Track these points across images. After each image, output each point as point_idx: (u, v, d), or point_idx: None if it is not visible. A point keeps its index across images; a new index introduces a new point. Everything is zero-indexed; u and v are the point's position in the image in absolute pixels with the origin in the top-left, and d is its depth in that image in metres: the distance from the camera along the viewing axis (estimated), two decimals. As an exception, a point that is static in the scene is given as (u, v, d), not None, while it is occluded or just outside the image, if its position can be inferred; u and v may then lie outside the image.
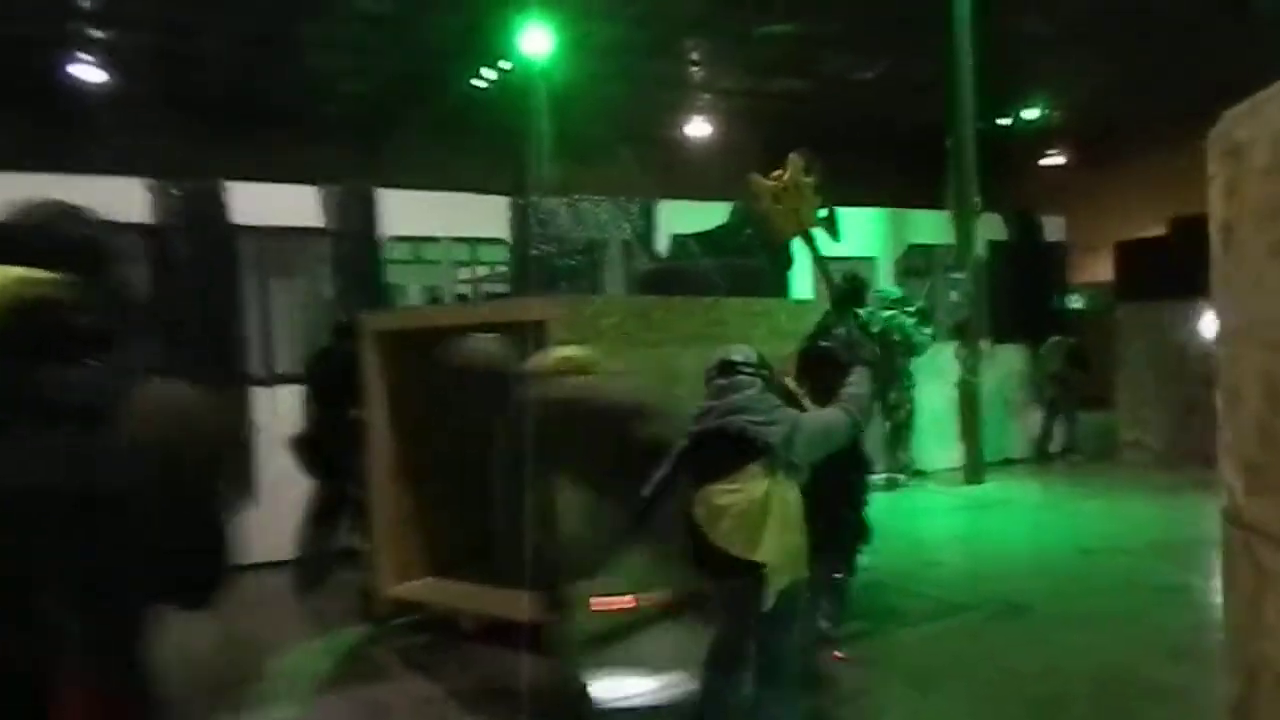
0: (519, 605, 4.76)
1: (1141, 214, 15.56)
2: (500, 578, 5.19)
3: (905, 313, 9.81)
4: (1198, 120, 2.60)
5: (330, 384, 6.63)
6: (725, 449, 3.65)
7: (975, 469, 10.91)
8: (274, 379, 8.10)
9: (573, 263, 9.62)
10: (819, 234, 5.31)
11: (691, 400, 4.15)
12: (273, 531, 6.46)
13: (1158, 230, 13.06)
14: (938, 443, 11.18)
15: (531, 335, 5.29)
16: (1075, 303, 15.52)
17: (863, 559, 5.75)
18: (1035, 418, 12.28)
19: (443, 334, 5.40)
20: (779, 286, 10.69)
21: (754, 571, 3.51)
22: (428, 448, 6.58)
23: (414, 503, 6.59)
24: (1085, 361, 12.21)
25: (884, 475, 9.98)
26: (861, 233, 11.36)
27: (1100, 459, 12.08)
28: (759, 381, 3.89)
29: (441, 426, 6.52)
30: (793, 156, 4.99)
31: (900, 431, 10.37)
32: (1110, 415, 12.89)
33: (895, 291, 10.29)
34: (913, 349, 9.88)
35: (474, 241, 9.51)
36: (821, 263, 5.61)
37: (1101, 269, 15.17)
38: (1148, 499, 9.41)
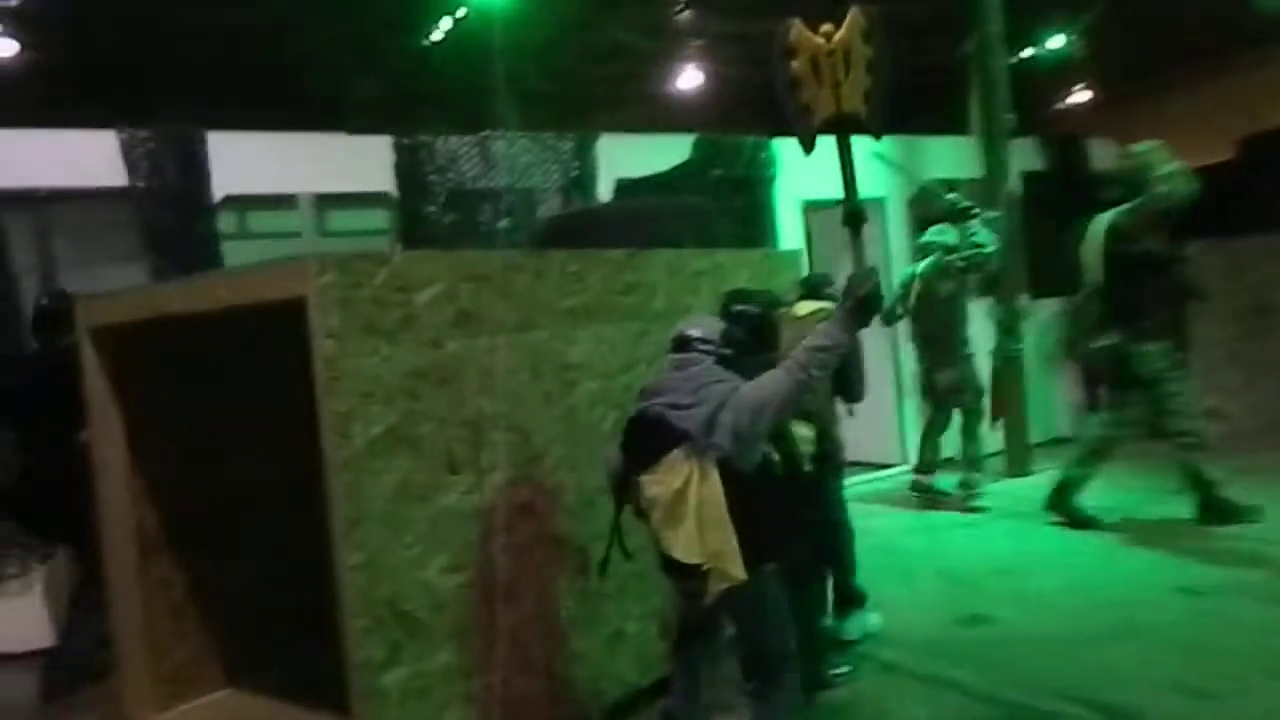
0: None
1: (1202, 139, 13.09)
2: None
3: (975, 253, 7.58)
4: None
5: (37, 400, 4.45)
6: (649, 435, 3.31)
7: (1019, 457, 8.64)
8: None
9: (481, 219, 7.36)
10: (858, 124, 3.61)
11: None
12: None
13: (1224, 155, 10.71)
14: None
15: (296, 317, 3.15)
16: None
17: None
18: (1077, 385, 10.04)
19: (194, 325, 3.68)
20: (753, 231, 8.50)
21: (692, 568, 3.21)
22: (202, 494, 4.39)
23: (186, 577, 4.40)
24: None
25: (955, 482, 7.78)
26: (864, 167, 9.02)
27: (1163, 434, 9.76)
28: (708, 359, 3.43)
29: (224, 461, 4.36)
30: (854, 10, 3.46)
31: (972, 422, 7.84)
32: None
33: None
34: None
35: (345, 200, 7.26)
36: (848, 171, 3.78)
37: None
38: (1242, 492, 7.05)
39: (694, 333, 3.46)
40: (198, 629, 4.46)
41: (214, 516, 4.42)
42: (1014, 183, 8.83)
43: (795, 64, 3.41)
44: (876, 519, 7.24)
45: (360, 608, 3.24)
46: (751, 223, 8.41)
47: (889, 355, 9.12)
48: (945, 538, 6.78)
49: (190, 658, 4.43)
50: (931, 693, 4.29)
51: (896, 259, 9.14)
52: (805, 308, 4.76)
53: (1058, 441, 9.82)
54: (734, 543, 3.13)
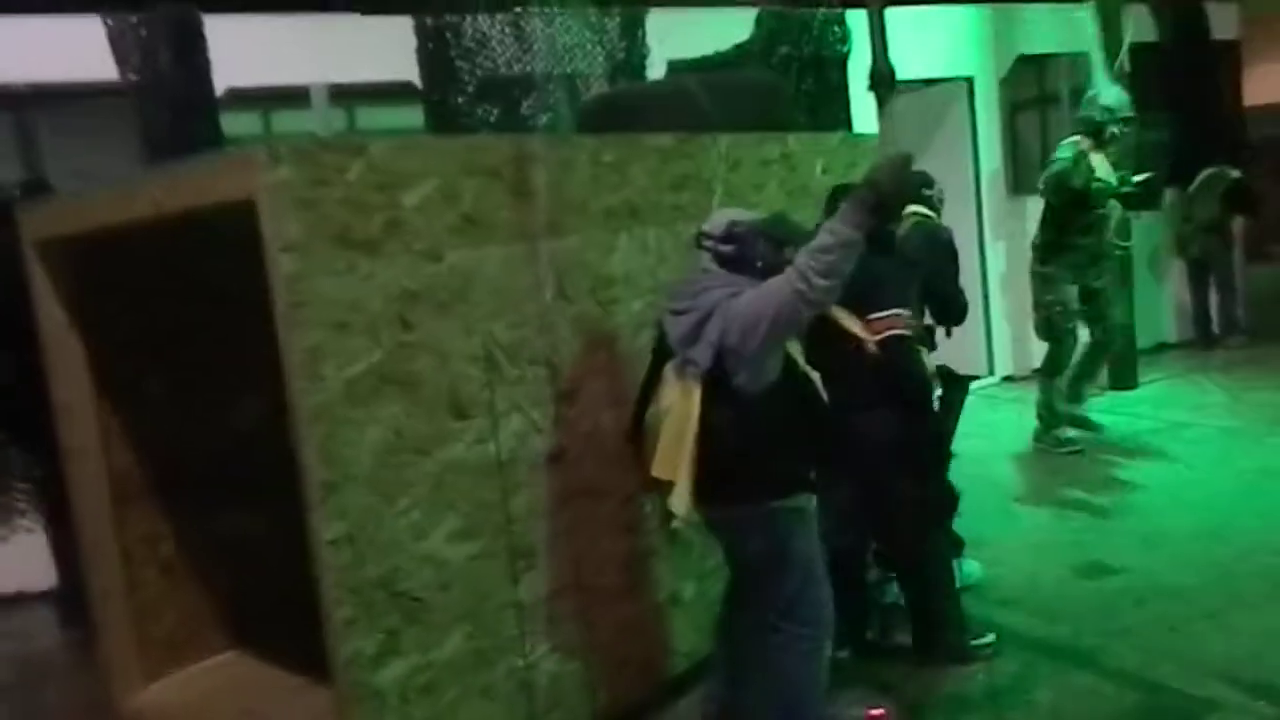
0: None
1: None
2: None
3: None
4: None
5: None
6: (662, 347, 2.98)
7: (1125, 368, 7.70)
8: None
9: (517, 112, 6.53)
10: None
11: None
12: None
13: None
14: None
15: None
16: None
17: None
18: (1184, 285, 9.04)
19: (168, 236, 3.13)
20: (824, 117, 7.54)
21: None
22: (192, 435, 3.77)
23: (176, 529, 3.81)
24: (1251, 203, 8.80)
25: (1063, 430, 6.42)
26: (946, 42, 7.99)
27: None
28: (706, 256, 2.91)
29: (219, 396, 3.75)
30: None
31: (1097, 355, 6.49)
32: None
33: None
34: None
35: (364, 92, 6.47)
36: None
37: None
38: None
39: (706, 226, 2.93)
40: (194, 587, 3.88)
41: (209, 460, 3.79)
42: (1124, 56, 7.68)
43: None
44: (966, 441, 6.42)
45: (343, 593, 2.58)
46: (822, 108, 7.45)
47: (973, 252, 8.17)
48: (1049, 465, 5.96)
49: (185, 618, 3.86)
50: (1068, 674, 3.52)
51: (984, 144, 8.12)
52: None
53: (1163, 347, 8.87)
54: (684, 472, 2.75)
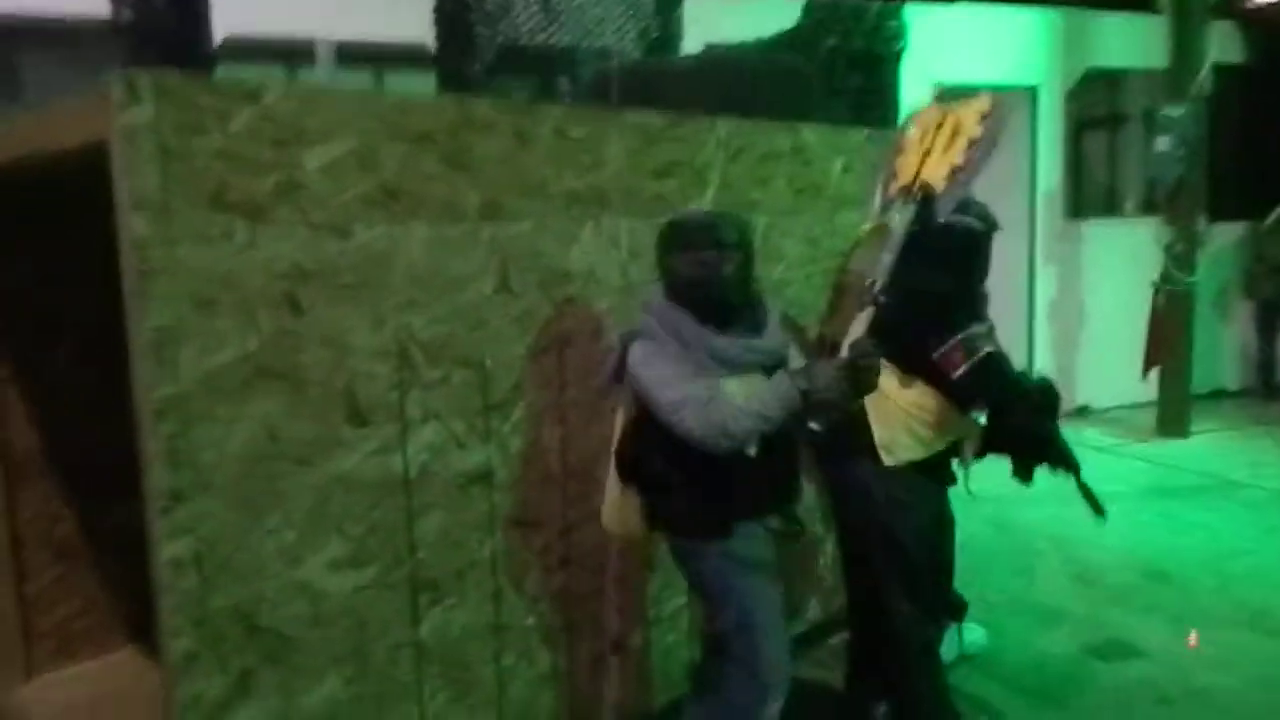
0: None
1: None
2: None
3: None
4: None
5: None
6: None
7: (1177, 413, 7.09)
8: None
9: (538, 85, 6.08)
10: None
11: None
12: None
13: None
14: (1115, 367, 7.39)
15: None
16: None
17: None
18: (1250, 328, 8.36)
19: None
20: (872, 117, 6.98)
21: None
22: (99, 408, 3.37)
23: (76, 512, 3.42)
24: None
25: None
26: (1011, 46, 7.40)
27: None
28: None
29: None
30: (986, 93, 2.97)
31: None
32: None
33: None
34: None
35: (374, 52, 6.06)
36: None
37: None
38: None
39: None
40: (94, 576, 3.50)
41: (116, 440, 3.39)
42: (1204, 76, 7.04)
43: (907, 133, 3.03)
44: (984, 481, 5.88)
45: (183, 622, 2.15)
46: (869, 107, 6.89)
47: (1023, 278, 7.60)
48: (1076, 516, 5.35)
49: (79, 610, 3.48)
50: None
51: (1044, 161, 7.52)
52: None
53: (1219, 394, 8.21)
54: (613, 494, 2.62)
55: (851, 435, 2.94)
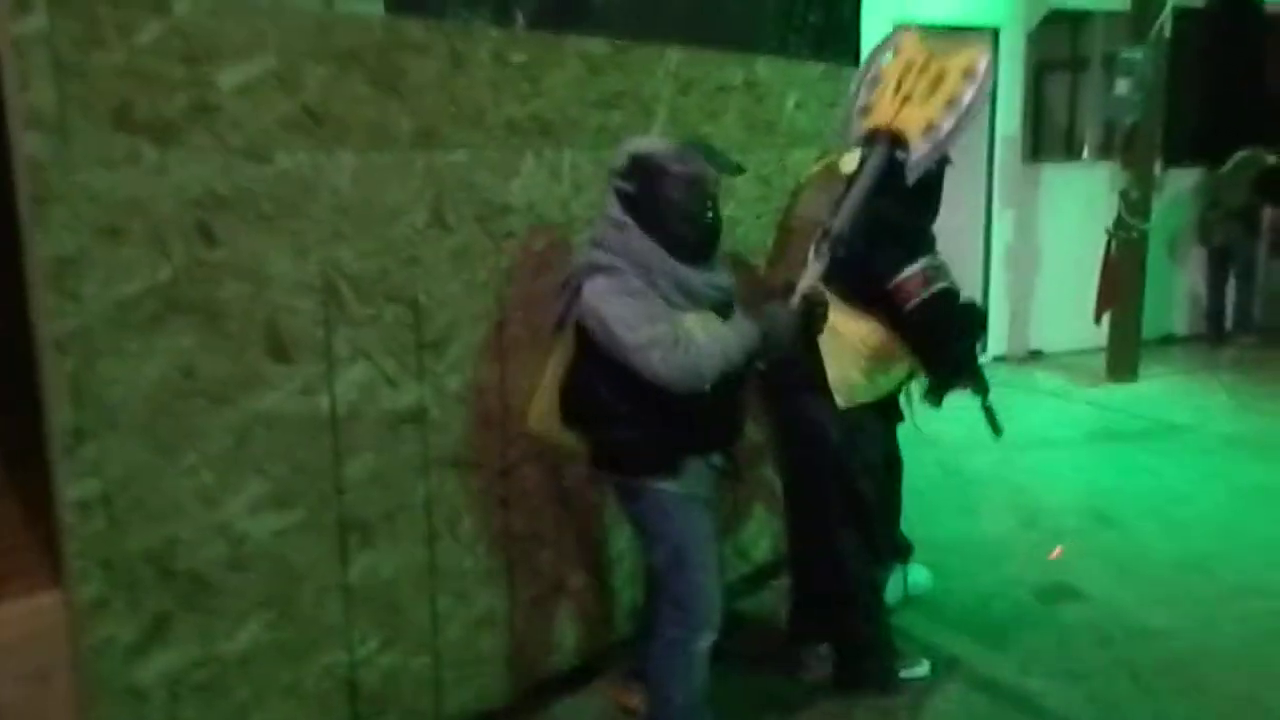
0: None
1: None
2: None
3: None
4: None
5: None
6: None
7: (1126, 359, 7.12)
8: None
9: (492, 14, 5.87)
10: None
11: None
12: None
13: None
14: (1069, 312, 7.40)
15: None
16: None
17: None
18: (1200, 274, 8.41)
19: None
20: (832, 55, 6.85)
21: None
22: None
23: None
24: (1283, 191, 8.13)
25: None
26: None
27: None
28: (610, 195, 2.46)
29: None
30: (976, 46, 2.88)
31: None
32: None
33: None
34: None
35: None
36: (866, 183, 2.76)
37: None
38: None
39: (616, 160, 2.47)
40: (17, 515, 3.37)
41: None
42: (1165, 19, 6.96)
43: (886, 65, 2.90)
44: (937, 424, 5.88)
45: (90, 565, 2.06)
46: (829, 44, 6.77)
47: (979, 220, 7.56)
48: (1024, 460, 5.40)
49: (2, 552, 3.35)
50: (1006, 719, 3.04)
51: (1003, 104, 7.44)
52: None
53: (1169, 340, 8.28)
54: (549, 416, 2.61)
55: (804, 374, 2.89)
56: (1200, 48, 8.04)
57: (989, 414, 3.11)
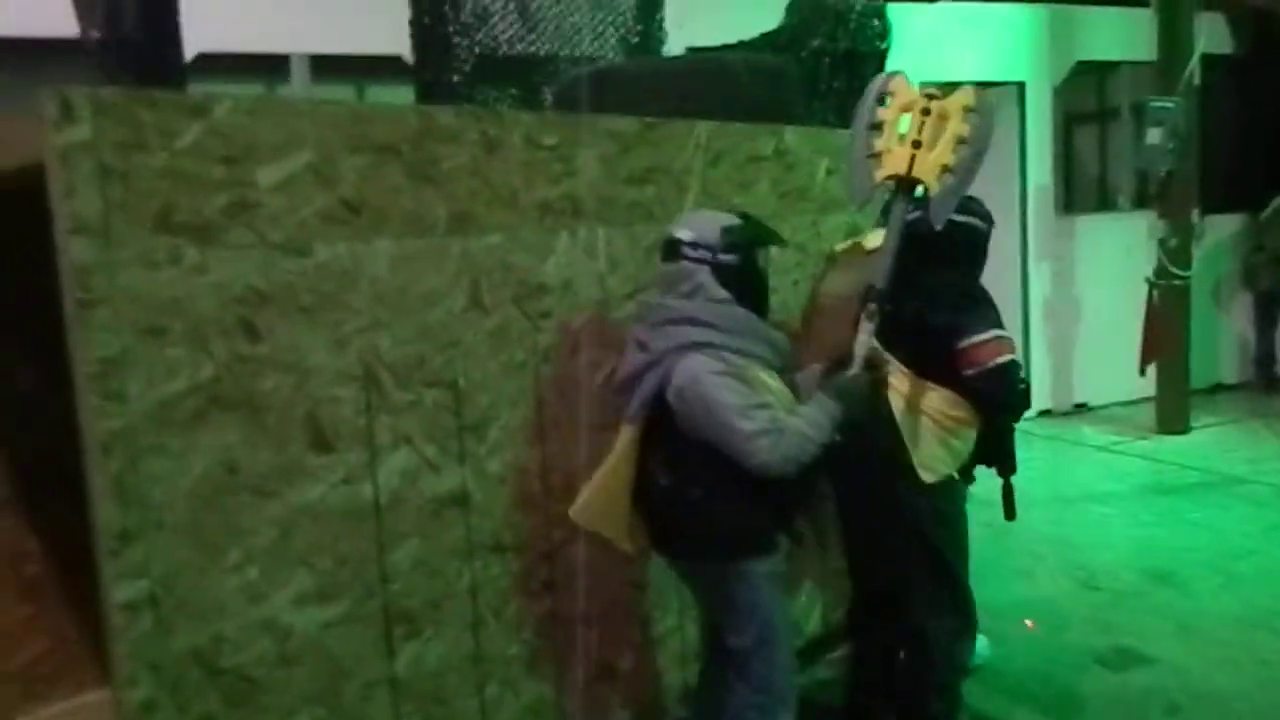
0: None
1: None
2: None
3: None
4: None
5: None
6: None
7: (1176, 409, 6.98)
8: None
9: (518, 94, 5.98)
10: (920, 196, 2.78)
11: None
12: None
13: None
14: (1113, 363, 7.28)
15: None
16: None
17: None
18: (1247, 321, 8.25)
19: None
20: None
21: None
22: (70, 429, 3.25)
23: (43, 545, 3.29)
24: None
25: None
26: (997, 42, 7.31)
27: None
28: (703, 269, 2.48)
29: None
30: (968, 87, 2.86)
31: None
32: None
33: None
34: None
35: (350, 65, 5.96)
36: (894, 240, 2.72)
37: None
38: None
39: (683, 234, 2.52)
40: (63, 615, 3.37)
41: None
42: (1193, 67, 6.95)
43: (883, 109, 2.85)
44: (984, 483, 5.78)
45: (139, 669, 2.04)
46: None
47: (1015, 275, 7.49)
48: (1076, 517, 5.28)
49: (48, 651, 3.35)
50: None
51: (1033, 156, 7.42)
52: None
53: (1218, 389, 8.12)
54: (621, 520, 2.60)
55: (882, 452, 2.85)
56: (1231, 94, 8.01)
57: (1008, 494, 3.10)
